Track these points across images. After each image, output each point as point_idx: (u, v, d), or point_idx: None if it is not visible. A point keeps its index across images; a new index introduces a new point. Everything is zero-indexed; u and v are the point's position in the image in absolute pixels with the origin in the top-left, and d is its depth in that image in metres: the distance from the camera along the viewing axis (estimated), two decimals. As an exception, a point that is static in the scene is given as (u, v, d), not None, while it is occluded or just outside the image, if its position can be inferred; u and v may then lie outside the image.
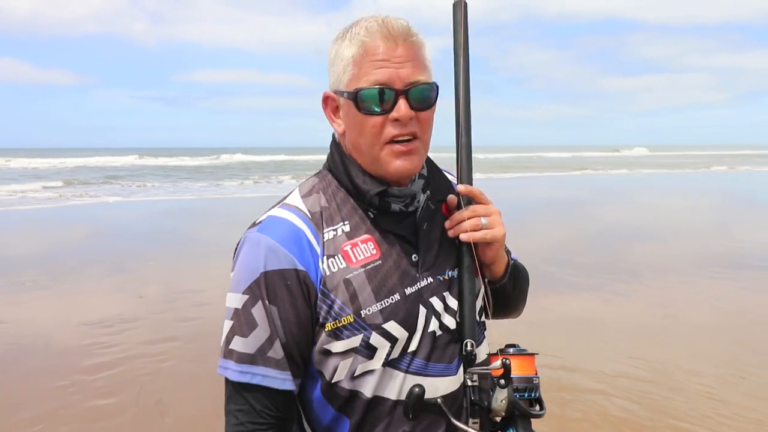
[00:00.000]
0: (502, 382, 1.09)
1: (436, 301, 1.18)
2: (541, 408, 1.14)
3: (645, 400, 4.20)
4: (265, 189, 22.60)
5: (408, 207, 1.19)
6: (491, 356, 1.22)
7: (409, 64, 1.12)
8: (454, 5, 1.25)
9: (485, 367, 1.12)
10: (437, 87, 1.17)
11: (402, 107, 1.11)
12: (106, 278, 7.61)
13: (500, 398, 1.09)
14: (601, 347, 5.27)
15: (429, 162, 1.28)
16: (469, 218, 1.18)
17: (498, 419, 1.14)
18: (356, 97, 1.12)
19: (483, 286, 1.25)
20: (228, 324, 1.14)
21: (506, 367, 1.08)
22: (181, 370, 4.76)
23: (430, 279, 1.18)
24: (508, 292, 1.29)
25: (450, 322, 1.18)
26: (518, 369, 1.12)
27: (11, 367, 4.86)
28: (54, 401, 4.23)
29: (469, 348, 1.15)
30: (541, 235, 11.09)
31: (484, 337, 1.28)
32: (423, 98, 1.14)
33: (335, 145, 1.24)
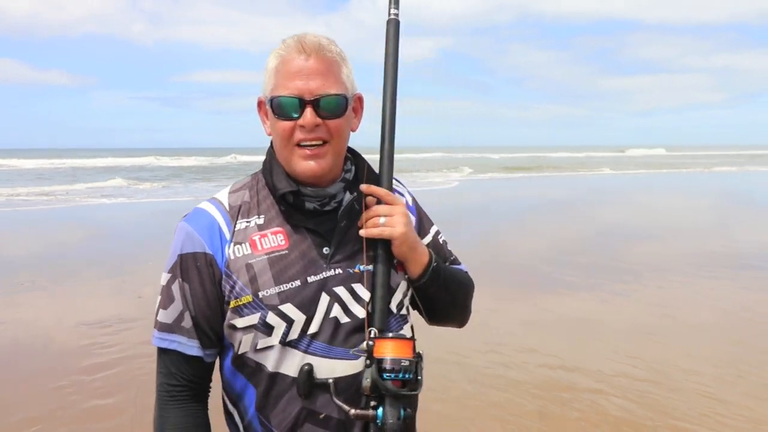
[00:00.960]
0: (368, 362, 1.21)
1: (342, 291, 1.29)
2: (413, 390, 1.21)
3: (644, 399, 4.20)
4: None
5: (324, 206, 1.33)
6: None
7: (319, 77, 1.25)
8: (388, 22, 1.40)
9: (357, 349, 1.25)
10: (347, 99, 1.29)
11: (308, 115, 1.25)
12: (105, 279, 7.59)
13: (366, 377, 1.20)
14: (600, 347, 5.27)
15: (362, 167, 1.40)
16: (369, 217, 1.31)
17: (373, 397, 1.22)
18: (272, 104, 1.28)
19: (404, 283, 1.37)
20: (158, 299, 1.34)
21: (369, 349, 1.21)
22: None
23: (339, 270, 1.30)
24: (431, 294, 1.39)
25: (359, 311, 1.29)
26: (392, 351, 1.21)
27: (9, 368, 4.85)
28: (52, 402, 4.22)
29: (372, 335, 1.24)
30: (541, 235, 11.11)
31: (402, 329, 1.36)
32: (331, 108, 1.27)
33: (270, 147, 1.38)
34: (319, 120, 1.25)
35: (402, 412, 1.20)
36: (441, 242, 1.53)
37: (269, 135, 1.35)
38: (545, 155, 65.36)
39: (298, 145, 1.27)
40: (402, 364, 1.20)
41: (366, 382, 1.19)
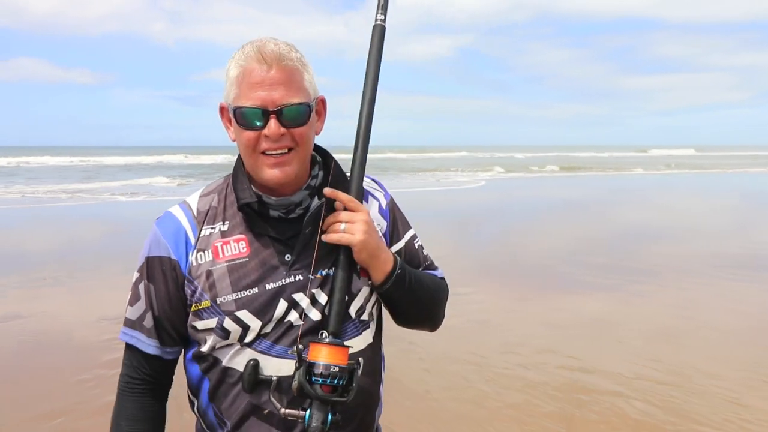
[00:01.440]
0: (297, 365, 1.23)
1: (300, 297, 1.31)
2: (341, 396, 1.22)
3: (665, 403, 4.15)
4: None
5: (289, 214, 1.35)
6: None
7: (281, 87, 1.26)
8: (374, 27, 1.41)
9: (292, 350, 1.26)
10: (310, 107, 1.31)
11: (272, 125, 1.26)
12: (125, 274, 7.64)
13: (294, 379, 1.22)
14: (620, 349, 5.21)
15: (333, 172, 1.39)
16: (330, 223, 1.31)
17: (305, 399, 1.23)
18: (236, 114, 1.29)
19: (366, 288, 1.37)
20: (128, 295, 1.41)
21: (298, 351, 1.23)
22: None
23: (300, 277, 1.32)
24: (396, 300, 1.39)
25: (315, 315, 1.31)
26: (325, 357, 1.22)
27: (32, 361, 4.94)
28: (74, 395, 4.28)
29: (323, 339, 1.25)
30: (562, 235, 11.02)
31: (360, 334, 1.37)
32: (294, 117, 1.28)
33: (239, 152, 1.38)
34: (283, 129, 1.27)
35: (330, 416, 1.21)
36: (416, 247, 1.51)
37: (233, 141, 1.36)
38: (572, 155, 64.69)
39: (264, 153, 1.29)
40: (332, 369, 1.21)
41: (294, 383, 1.22)
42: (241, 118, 1.28)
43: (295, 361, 1.24)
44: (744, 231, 11.82)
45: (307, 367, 1.22)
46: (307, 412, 1.21)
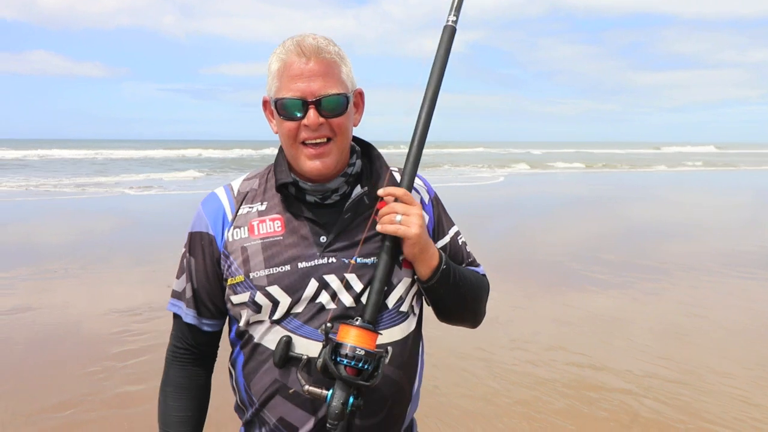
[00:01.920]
0: (324, 343, 1.26)
1: (333, 279, 1.34)
2: (368, 380, 1.24)
3: (675, 401, 4.12)
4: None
5: (325, 200, 1.40)
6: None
7: (320, 78, 1.31)
8: (444, 27, 1.45)
9: (321, 329, 1.27)
10: (347, 97, 1.35)
11: (311, 115, 1.31)
12: (135, 267, 7.72)
13: (319, 356, 1.25)
14: (630, 346, 5.18)
15: (374, 162, 1.45)
16: (385, 213, 1.34)
17: (330, 379, 1.26)
18: (277, 105, 1.35)
19: (411, 280, 1.40)
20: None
21: (326, 330, 1.25)
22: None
23: (333, 260, 1.35)
24: (440, 295, 1.41)
25: (347, 299, 1.34)
26: (353, 339, 1.24)
27: (42, 353, 4.96)
28: (85, 387, 4.31)
29: (353, 321, 1.27)
30: (570, 232, 10.97)
31: (397, 325, 1.38)
32: (332, 107, 1.33)
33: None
34: (322, 119, 1.32)
35: (351, 399, 1.23)
36: (459, 243, 1.54)
37: (276, 133, 1.41)
38: (591, 152, 64.29)
39: (303, 143, 1.35)
40: (357, 352, 1.23)
41: (319, 361, 1.24)
42: (281, 109, 1.34)
43: (321, 342, 1.27)
44: (747, 228, 11.72)
45: (333, 347, 1.24)
46: (330, 391, 1.24)
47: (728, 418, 3.87)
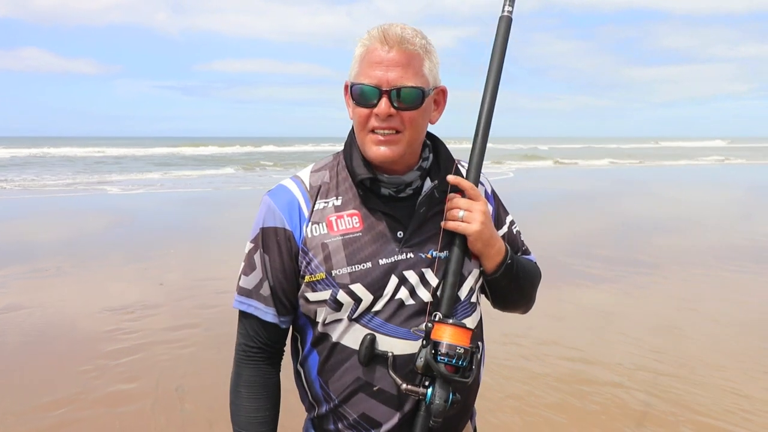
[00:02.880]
0: (424, 342, 1.27)
1: (411, 275, 1.34)
2: (464, 377, 1.26)
3: (666, 394, 4.14)
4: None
5: (399, 193, 1.38)
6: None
7: (399, 68, 1.29)
8: (500, 18, 1.45)
9: (417, 328, 1.31)
10: (423, 91, 1.31)
11: (383, 104, 1.29)
12: (128, 265, 7.68)
13: (420, 357, 1.27)
14: (622, 340, 5.21)
15: (443, 157, 1.43)
16: (449, 209, 1.35)
17: (426, 377, 1.28)
18: (353, 90, 1.33)
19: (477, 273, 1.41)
20: (241, 265, 1.43)
21: (428, 330, 1.27)
22: (200, 357, 4.80)
23: (411, 255, 1.35)
24: (502, 287, 1.44)
25: (424, 294, 1.34)
26: (450, 337, 1.25)
27: (35, 352, 4.94)
28: (77, 385, 4.30)
29: (436, 319, 1.29)
30: (562, 226, 10.99)
31: (469, 316, 1.40)
32: (406, 100, 1.30)
33: (351, 130, 1.41)
34: (393, 110, 1.29)
35: (451, 395, 1.25)
36: (515, 233, 1.56)
37: (351, 118, 1.39)
38: (596, 146, 64.18)
39: (373, 131, 1.33)
40: (457, 350, 1.24)
41: (420, 361, 1.26)
42: (356, 94, 1.32)
43: (407, 339, 1.30)
44: (740, 221, 11.78)
45: (432, 346, 1.25)
46: (429, 389, 1.26)
47: (719, 410, 3.89)
